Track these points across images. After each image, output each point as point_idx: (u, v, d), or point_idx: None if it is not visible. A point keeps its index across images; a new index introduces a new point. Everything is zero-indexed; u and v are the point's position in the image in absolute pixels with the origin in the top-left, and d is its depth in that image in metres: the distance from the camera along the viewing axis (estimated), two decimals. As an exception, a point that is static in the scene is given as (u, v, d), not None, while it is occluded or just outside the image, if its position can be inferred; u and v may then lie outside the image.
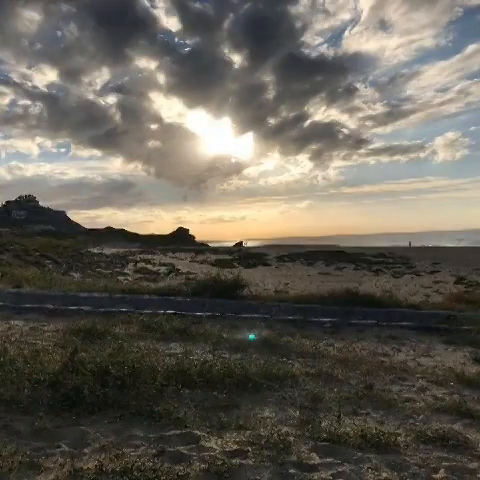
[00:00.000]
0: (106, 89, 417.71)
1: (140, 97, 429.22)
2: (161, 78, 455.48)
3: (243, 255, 60.14)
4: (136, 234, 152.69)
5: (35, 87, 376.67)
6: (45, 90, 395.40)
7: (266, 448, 3.23)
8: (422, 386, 4.98)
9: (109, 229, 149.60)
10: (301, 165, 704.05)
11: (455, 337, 7.88)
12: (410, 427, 3.79)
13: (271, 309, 10.09)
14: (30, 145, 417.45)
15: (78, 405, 3.75)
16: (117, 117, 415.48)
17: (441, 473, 3.01)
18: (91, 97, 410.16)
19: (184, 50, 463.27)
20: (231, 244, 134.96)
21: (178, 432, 3.45)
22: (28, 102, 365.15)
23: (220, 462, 2.97)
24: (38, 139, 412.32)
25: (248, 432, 3.51)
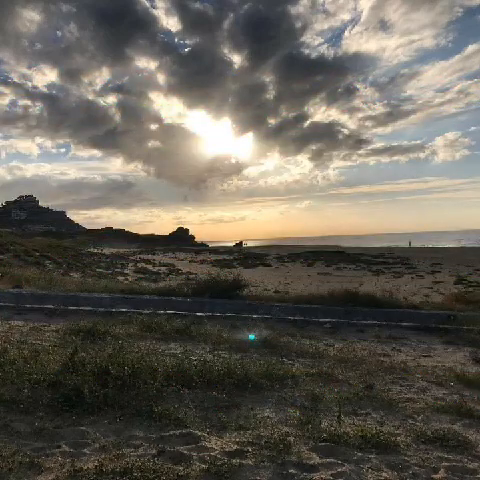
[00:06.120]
0: (106, 89, 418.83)
1: (140, 97, 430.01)
2: (161, 78, 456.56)
3: (244, 255, 60.19)
4: (136, 234, 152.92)
5: (35, 87, 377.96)
6: (45, 90, 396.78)
7: (266, 448, 3.22)
8: (422, 386, 4.98)
9: (109, 229, 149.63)
10: (301, 165, 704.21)
11: (455, 337, 7.88)
12: (410, 427, 3.78)
13: (271, 309, 10.09)
14: (30, 145, 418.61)
15: (78, 405, 3.75)
16: (117, 117, 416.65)
17: (441, 473, 3.01)
18: (91, 97, 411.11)
19: (184, 50, 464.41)
20: (231, 244, 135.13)
21: (178, 432, 3.45)
22: (28, 102, 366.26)
23: (220, 462, 2.97)
24: (38, 139, 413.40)
25: (248, 432, 3.51)
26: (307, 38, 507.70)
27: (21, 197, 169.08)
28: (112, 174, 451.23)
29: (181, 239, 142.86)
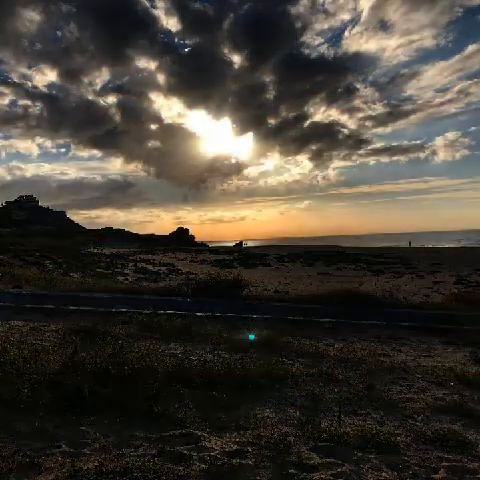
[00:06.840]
0: (106, 89, 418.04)
1: (140, 97, 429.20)
2: (161, 78, 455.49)
3: (244, 255, 60.23)
4: (136, 234, 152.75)
5: (35, 87, 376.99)
6: (45, 90, 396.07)
7: (266, 448, 3.22)
8: (422, 386, 4.98)
9: (109, 229, 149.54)
10: (301, 165, 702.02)
11: (455, 337, 7.88)
12: (410, 427, 3.78)
13: (271, 309, 10.10)
14: (30, 145, 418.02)
15: (78, 405, 3.74)
16: (117, 117, 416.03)
17: (441, 473, 3.01)
18: (91, 97, 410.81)
19: (184, 50, 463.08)
20: (231, 244, 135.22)
21: (178, 432, 3.45)
22: (28, 102, 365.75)
23: (220, 462, 2.97)
24: (38, 139, 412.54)
25: (248, 432, 3.51)
26: (307, 38, 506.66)
27: (21, 197, 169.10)
28: (112, 174, 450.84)
29: (181, 239, 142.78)
